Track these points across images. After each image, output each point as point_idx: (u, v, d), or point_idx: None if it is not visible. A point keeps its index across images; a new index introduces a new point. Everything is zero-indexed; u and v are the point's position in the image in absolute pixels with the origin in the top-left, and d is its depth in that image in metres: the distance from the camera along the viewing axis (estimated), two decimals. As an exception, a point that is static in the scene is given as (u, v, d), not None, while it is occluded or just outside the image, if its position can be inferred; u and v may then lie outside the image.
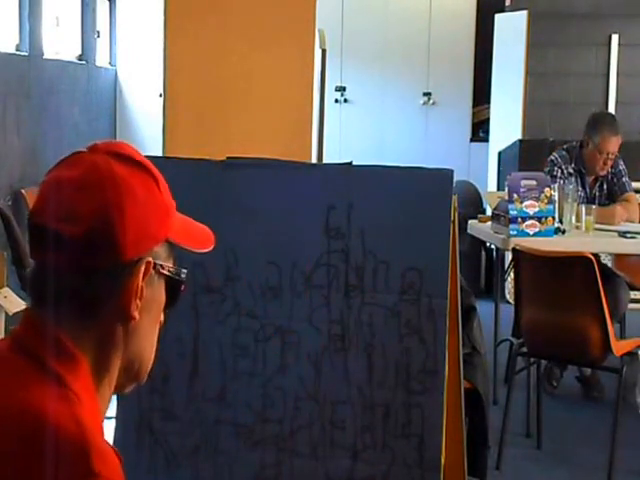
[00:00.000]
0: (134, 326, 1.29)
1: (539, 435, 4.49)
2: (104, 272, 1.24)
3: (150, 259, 1.27)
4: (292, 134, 3.42)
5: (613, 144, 5.25)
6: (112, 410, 1.97)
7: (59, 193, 1.25)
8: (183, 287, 1.37)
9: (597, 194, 5.43)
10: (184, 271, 1.36)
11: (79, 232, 1.22)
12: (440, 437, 1.80)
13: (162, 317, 1.36)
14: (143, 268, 1.26)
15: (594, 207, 5.07)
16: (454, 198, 1.84)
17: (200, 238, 1.40)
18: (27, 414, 1.18)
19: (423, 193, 1.86)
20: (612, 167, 5.37)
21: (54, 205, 1.25)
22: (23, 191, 6.44)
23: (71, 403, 1.20)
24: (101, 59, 9.36)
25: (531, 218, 4.71)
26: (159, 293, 1.32)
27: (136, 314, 1.27)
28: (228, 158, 2.02)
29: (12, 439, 1.16)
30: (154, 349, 1.37)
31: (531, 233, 4.70)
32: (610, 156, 5.26)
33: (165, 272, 1.31)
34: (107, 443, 1.22)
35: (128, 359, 1.31)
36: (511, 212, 4.70)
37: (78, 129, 8.38)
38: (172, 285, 1.34)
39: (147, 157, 1.36)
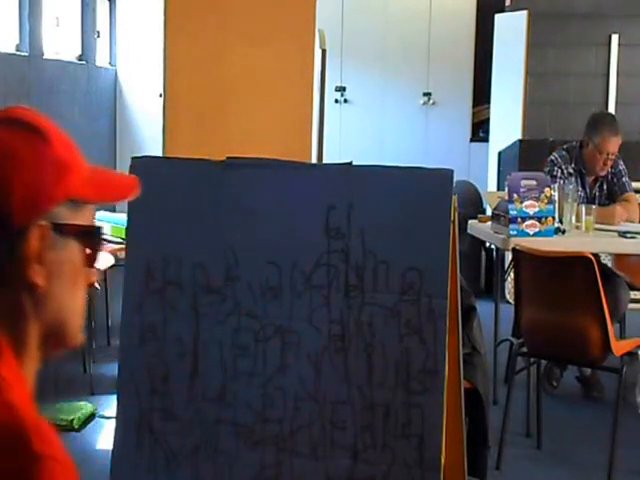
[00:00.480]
0: (43, 293, 1.24)
1: (539, 435, 4.49)
2: None
3: (44, 222, 1.22)
4: (292, 134, 3.42)
5: (613, 144, 5.25)
6: (112, 410, 1.97)
7: None
8: (100, 238, 1.32)
9: (597, 194, 5.43)
10: (98, 225, 1.31)
11: None
12: (440, 437, 1.80)
13: (88, 274, 1.31)
14: (38, 232, 1.21)
15: (594, 207, 5.07)
16: (454, 198, 1.84)
17: (112, 189, 1.34)
18: None
19: (423, 193, 1.86)
20: (612, 167, 5.37)
21: None
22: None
23: None
24: (101, 59, 9.36)
25: (531, 218, 4.71)
26: (69, 253, 1.27)
27: (39, 280, 1.23)
28: (228, 158, 2.02)
29: None
30: (79, 311, 1.32)
31: (531, 233, 4.70)
32: (610, 156, 5.26)
33: (72, 231, 1.25)
34: (43, 421, 1.17)
35: (46, 327, 1.27)
36: (511, 212, 4.70)
37: (78, 129, 8.38)
38: (88, 240, 1.29)
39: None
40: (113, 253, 5.52)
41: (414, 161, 3.23)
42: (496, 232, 4.94)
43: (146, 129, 9.41)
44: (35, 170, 1.22)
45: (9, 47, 7.07)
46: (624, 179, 5.41)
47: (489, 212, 6.43)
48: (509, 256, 5.46)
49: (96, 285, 1.38)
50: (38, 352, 1.28)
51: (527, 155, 7.66)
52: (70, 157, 1.29)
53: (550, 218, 4.75)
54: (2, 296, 1.23)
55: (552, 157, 5.41)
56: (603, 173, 5.35)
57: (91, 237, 1.30)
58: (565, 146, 5.47)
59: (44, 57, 7.59)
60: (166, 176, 2.05)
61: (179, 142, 3.42)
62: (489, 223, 5.15)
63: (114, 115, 9.69)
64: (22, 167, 1.21)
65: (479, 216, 5.73)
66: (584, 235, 4.94)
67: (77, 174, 1.28)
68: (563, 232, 4.91)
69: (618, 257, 5.87)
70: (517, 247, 4.32)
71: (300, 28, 3.44)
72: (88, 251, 1.29)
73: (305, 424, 1.89)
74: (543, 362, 4.66)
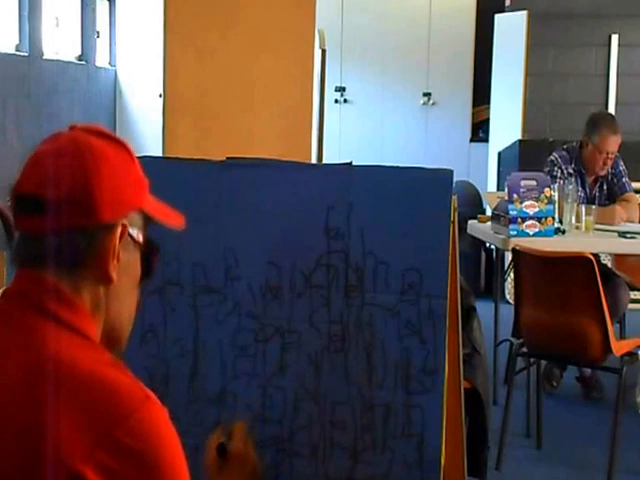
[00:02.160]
0: (113, 289, 1.35)
1: (539, 435, 4.49)
2: (83, 232, 1.30)
3: (126, 222, 1.34)
4: (292, 134, 3.42)
5: (613, 144, 5.25)
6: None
7: (39, 163, 1.34)
8: (156, 260, 1.44)
9: (597, 194, 5.43)
10: (156, 244, 1.43)
11: (59, 195, 1.29)
12: (440, 437, 1.80)
13: (140, 281, 1.42)
14: (119, 230, 1.33)
15: (594, 207, 5.07)
16: (454, 198, 1.84)
17: (172, 217, 1.47)
18: (70, 368, 1.25)
19: (423, 193, 1.86)
20: (612, 167, 5.37)
21: (34, 174, 1.33)
22: (23, 191, 6.44)
23: (99, 350, 1.33)
24: (101, 59, 9.36)
25: (531, 218, 4.71)
26: (134, 260, 1.39)
27: (114, 275, 1.34)
28: (228, 158, 2.02)
29: (60, 391, 1.22)
30: (132, 319, 1.43)
31: (531, 233, 4.70)
32: (610, 156, 5.26)
33: (140, 240, 1.38)
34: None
35: (109, 324, 1.38)
36: (511, 212, 4.70)
37: (78, 129, 8.38)
38: (146, 256, 1.40)
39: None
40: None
41: (414, 161, 3.23)
42: (496, 232, 4.94)
43: (146, 129, 9.41)
44: (123, 176, 1.34)
45: (9, 47, 7.07)
46: (624, 179, 5.41)
47: (489, 212, 6.43)
48: (509, 256, 5.46)
49: None
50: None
51: (527, 155, 7.66)
52: (145, 178, 1.41)
53: (550, 218, 4.75)
54: (87, 284, 1.33)
55: (552, 157, 5.41)
56: (603, 173, 5.35)
57: (150, 252, 1.42)
58: (565, 146, 5.47)
59: (44, 57, 7.59)
60: (166, 176, 2.05)
61: (179, 142, 3.42)
62: (489, 223, 5.15)
63: (114, 115, 9.69)
64: (113, 171, 1.33)
65: (479, 216, 5.73)
66: (584, 235, 4.93)
67: (149, 194, 1.41)
68: (563, 232, 4.91)
69: (618, 257, 5.87)
70: (517, 247, 4.32)
71: (300, 28, 3.43)
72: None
73: (305, 424, 1.89)
74: (543, 362, 4.66)
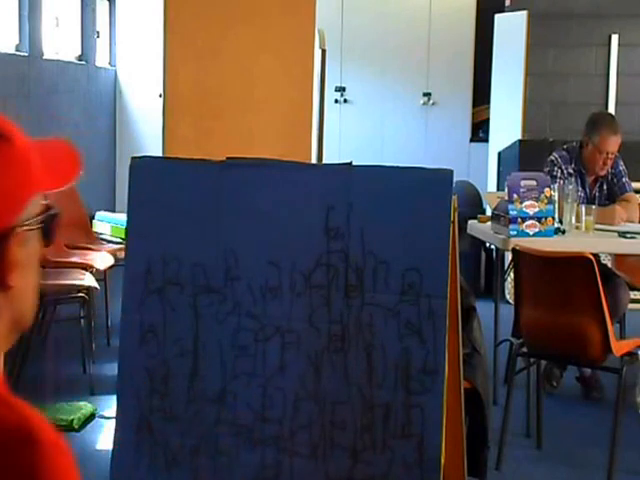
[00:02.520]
0: (13, 291, 1.25)
1: (539, 435, 4.49)
2: None
3: (17, 229, 1.21)
4: (292, 134, 3.42)
5: (613, 144, 5.25)
6: (112, 410, 1.97)
7: None
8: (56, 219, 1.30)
9: (597, 194, 5.43)
10: (53, 210, 1.30)
11: None
12: (440, 437, 1.80)
13: (40, 255, 1.31)
14: (15, 239, 1.21)
15: (594, 207, 5.07)
16: (454, 198, 1.84)
17: (63, 168, 1.32)
18: None
19: (423, 193, 1.86)
20: (612, 167, 5.37)
21: None
22: (23, 191, 6.44)
23: None
24: (101, 59, 9.36)
25: (531, 218, 4.71)
26: (33, 246, 1.27)
27: (12, 282, 1.23)
28: (228, 158, 2.02)
29: None
30: (36, 289, 1.31)
31: (531, 233, 4.70)
32: (610, 155, 5.26)
33: (38, 226, 1.25)
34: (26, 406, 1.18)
35: (13, 318, 1.28)
36: (511, 212, 4.70)
37: (78, 129, 8.39)
38: (47, 227, 1.28)
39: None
40: (113, 253, 5.52)
41: (414, 161, 3.23)
42: (496, 232, 4.94)
43: (146, 129, 9.41)
44: (5, 177, 1.20)
45: (9, 47, 7.07)
46: (624, 179, 5.41)
47: (489, 212, 6.43)
48: (509, 256, 5.46)
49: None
50: (5, 342, 1.27)
51: (527, 155, 7.66)
52: (27, 148, 1.25)
53: (550, 218, 4.75)
54: None
55: (552, 157, 5.41)
56: (603, 173, 5.35)
57: (51, 224, 1.28)
58: (565, 146, 5.47)
59: (44, 57, 7.59)
60: (166, 176, 2.05)
61: (179, 142, 3.42)
62: (489, 223, 5.15)
63: (114, 115, 9.69)
64: None
65: (479, 216, 5.73)
66: (584, 235, 4.93)
67: (36, 165, 1.25)
68: (563, 232, 4.91)
69: (618, 257, 5.87)
70: (517, 247, 4.32)
71: (300, 28, 3.43)
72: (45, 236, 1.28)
73: (305, 424, 1.89)
74: (543, 362, 4.66)
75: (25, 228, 1.22)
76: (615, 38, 8.52)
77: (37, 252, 1.29)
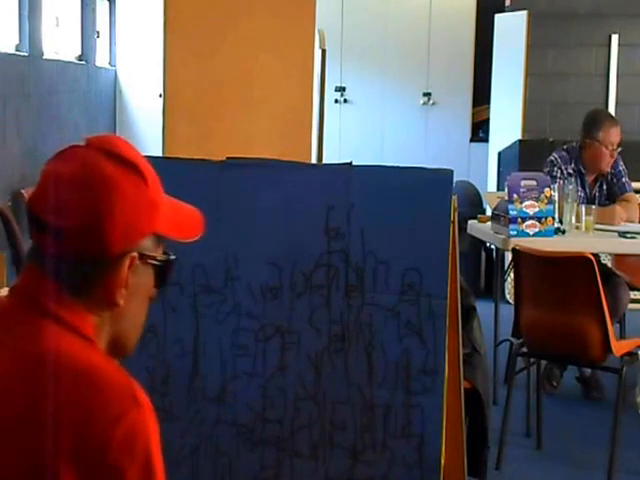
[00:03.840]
0: (119, 311, 1.38)
1: (539, 435, 4.49)
2: (92, 262, 1.33)
3: (135, 254, 1.36)
4: (292, 134, 3.42)
5: (616, 134, 5.26)
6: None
7: (53, 187, 1.34)
8: (172, 268, 1.45)
9: (597, 194, 5.43)
10: (172, 256, 1.44)
11: (69, 226, 1.31)
12: (440, 437, 1.80)
13: (153, 293, 1.45)
14: (128, 262, 1.35)
15: (594, 207, 5.07)
16: (454, 198, 1.84)
17: (187, 227, 1.47)
18: (66, 363, 1.28)
19: (423, 193, 1.86)
20: (612, 167, 5.37)
21: (48, 198, 1.34)
22: (23, 191, 6.44)
23: (95, 349, 1.35)
24: (101, 59, 9.36)
25: (531, 218, 4.71)
26: (145, 279, 1.41)
27: (121, 301, 1.36)
28: (228, 158, 2.02)
29: (61, 386, 1.25)
30: (142, 325, 1.46)
31: (531, 233, 4.70)
32: (615, 147, 5.26)
33: (151, 262, 1.39)
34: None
35: (113, 338, 1.41)
36: (511, 212, 4.70)
37: (78, 129, 8.39)
38: (161, 269, 1.42)
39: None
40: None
41: (414, 161, 3.23)
42: (496, 232, 4.94)
43: (146, 129, 9.41)
44: (135, 208, 1.34)
45: (9, 47, 7.07)
46: (624, 179, 5.41)
47: (489, 212, 6.42)
48: (509, 256, 5.46)
49: None
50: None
51: (527, 155, 7.65)
52: (159, 197, 1.41)
53: (550, 218, 4.75)
54: (89, 302, 1.35)
55: (552, 157, 5.41)
56: (609, 169, 5.34)
57: (164, 266, 1.43)
58: (565, 146, 5.47)
59: (44, 57, 7.59)
60: (166, 176, 2.05)
61: (179, 142, 3.42)
62: (489, 223, 5.15)
63: (114, 115, 9.69)
64: (125, 203, 1.33)
65: (479, 216, 5.73)
66: (584, 235, 4.93)
67: (163, 212, 1.40)
68: (563, 232, 4.91)
69: (618, 257, 5.87)
70: (517, 247, 4.32)
71: (300, 28, 3.43)
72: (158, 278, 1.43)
73: (305, 424, 1.89)
74: (543, 362, 4.66)
75: (140, 258, 1.36)
76: (615, 38, 8.52)
77: (148, 288, 1.43)
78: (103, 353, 1.37)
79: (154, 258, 1.40)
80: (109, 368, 1.33)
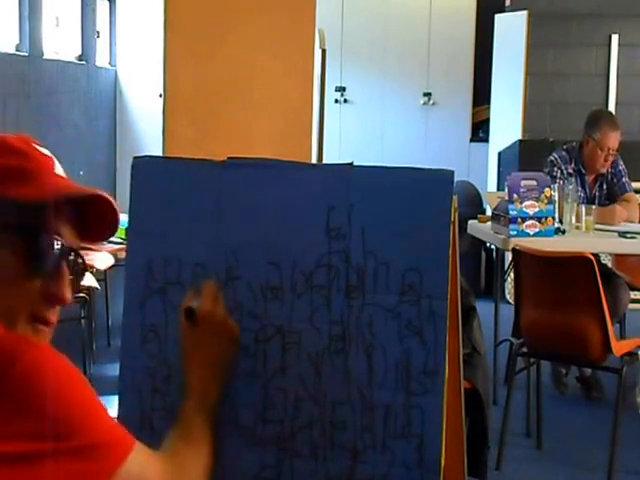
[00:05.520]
0: None
1: (539, 435, 4.50)
2: None
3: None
4: (292, 134, 3.42)
5: (613, 139, 5.26)
6: (113, 410, 1.97)
7: None
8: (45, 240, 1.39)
9: (597, 194, 5.44)
10: (80, 258, 1.43)
11: None
12: (440, 438, 1.80)
13: (29, 280, 1.38)
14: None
15: (594, 207, 5.07)
16: (454, 198, 1.84)
17: (98, 229, 1.47)
18: None
19: (423, 193, 1.86)
20: (612, 167, 5.38)
21: None
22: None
23: None
24: (101, 59, 9.36)
25: (531, 218, 4.71)
26: (5, 253, 1.34)
27: None
28: (228, 158, 2.02)
29: None
30: (24, 306, 1.39)
31: (531, 233, 4.70)
32: (611, 152, 5.27)
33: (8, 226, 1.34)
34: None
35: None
36: (511, 212, 4.71)
37: (78, 129, 8.39)
38: (24, 243, 1.36)
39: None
40: (113, 253, 5.51)
41: (414, 161, 3.23)
42: (496, 232, 4.94)
43: (146, 129, 9.41)
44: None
45: (9, 47, 7.07)
46: (624, 179, 5.42)
47: (489, 212, 6.43)
48: (509, 256, 5.46)
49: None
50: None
51: (527, 155, 7.66)
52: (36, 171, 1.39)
53: (550, 218, 4.76)
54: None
55: (552, 157, 5.41)
56: (604, 170, 5.35)
57: (31, 234, 1.37)
58: (565, 146, 5.47)
59: (44, 57, 7.59)
60: (166, 176, 2.05)
61: (179, 142, 3.42)
62: (489, 223, 5.15)
63: (114, 115, 9.69)
64: None
65: (479, 216, 5.73)
66: (584, 235, 4.94)
67: (36, 183, 1.36)
68: (563, 232, 4.92)
69: (618, 257, 5.87)
70: (517, 247, 4.32)
71: (300, 28, 3.43)
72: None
73: (305, 425, 1.89)
74: (543, 362, 4.66)
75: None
76: (615, 38, 8.52)
77: (11, 263, 1.35)
78: None
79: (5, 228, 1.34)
80: None
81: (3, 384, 1.22)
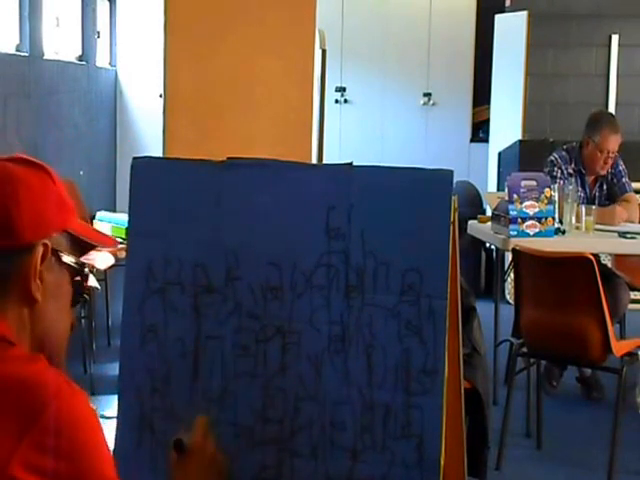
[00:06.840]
0: (39, 309, 1.38)
1: (539, 435, 4.50)
2: (4, 257, 1.35)
3: (47, 242, 1.38)
4: (292, 135, 3.42)
5: (613, 142, 5.26)
6: (113, 410, 1.97)
7: None
8: (85, 284, 1.48)
9: (597, 194, 5.44)
10: (86, 269, 1.47)
11: None
12: (440, 438, 1.80)
13: (70, 299, 1.45)
14: (41, 250, 1.37)
15: (594, 207, 5.07)
16: (454, 199, 1.84)
17: (99, 236, 1.52)
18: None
19: (423, 194, 1.86)
20: (612, 167, 5.38)
21: None
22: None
23: (18, 350, 1.34)
24: (101, 59, 9.35)
25: (531, 218, 4.71)
26: (62, 281, 1.42)
27: (38, 296, 1.37)
28: (228, 158, 2.02)
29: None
30: (66, 332, 1.45)
31: (531, 233, 4.70)
32: (610, 154, 5.27)
33: (65, 261, 1.41)
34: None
35: (35, 341, 1.40)
36: (511, 212, 4.71)
37: (78, 129, 8.39)
38: (76, 272, 1.44)
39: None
40: (113, 253, 5.51)
41: (414, 161, 3.23)
42: (496, 232, 4.94)
43: (146, 129, 9.41)
44: (43, 198, 1.39)
45: (9, 47, 7.07)
46: (624, 179, 5.42)
47: (489, 212, 6.43)
48: (509, 256, 5.46)
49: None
50: None
51: (527, 155, 7.66)
52: (70, 200, 1.45)
53: (550, 218, 4.76)
54: (10, 305, 1.36)
55: (552, 158, 5.41)
56: (603, 172, 5.36)
57: (78, 273, 1.45)
58: (565, 146, 5.47)
59: (44, 57, 7.59)
60: (166, 176, 2.06)
61: (179, 142, 3.42)
62: (489, 223, 5.15)
63: (114, 115, 9.68)
64: (31, 193, 1.38)
65: (479, 216, 5.74)
66: (584, 235, 4.94)
67: (75, 216, 1.45)
68: (563, 232, 4.92)
69: (618, 257, 5.87)
70: (517, 247, 4.32)
71: (300, 28, 3.43)
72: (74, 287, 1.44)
73: (305, 424, 1.90)
74: (543, 362, 4.66)
75: (53, 254, 1.38)
76: (615, 38, 8.52)
77: (66, 292, 1.43)
78: (22, 350, 1.36)
79: (68, 258, 1.42)
80: (29, 364, 1.32)
81: (39, 418, 1.24)
